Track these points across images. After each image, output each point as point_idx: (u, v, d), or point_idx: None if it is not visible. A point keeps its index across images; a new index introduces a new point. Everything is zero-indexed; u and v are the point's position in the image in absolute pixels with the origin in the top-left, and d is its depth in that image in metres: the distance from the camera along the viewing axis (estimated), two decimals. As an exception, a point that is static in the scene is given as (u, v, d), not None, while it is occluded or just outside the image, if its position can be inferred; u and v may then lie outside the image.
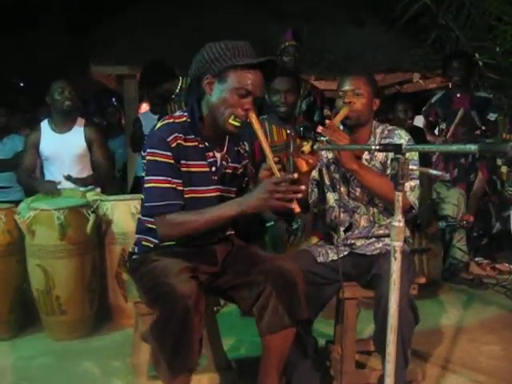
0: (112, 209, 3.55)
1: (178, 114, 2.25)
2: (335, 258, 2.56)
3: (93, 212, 3.44)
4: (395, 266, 1.71)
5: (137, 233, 2.36)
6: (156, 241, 2.26)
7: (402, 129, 2.65)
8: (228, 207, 2.13)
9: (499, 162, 4.45)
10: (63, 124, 3.94)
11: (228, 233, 2.40)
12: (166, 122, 2.19)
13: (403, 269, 2.29)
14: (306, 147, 2.30)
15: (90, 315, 3.49)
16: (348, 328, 2.63)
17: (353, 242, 2.62)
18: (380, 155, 2.57)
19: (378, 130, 2.62)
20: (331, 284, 2.56)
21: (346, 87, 2.57)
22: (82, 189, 3.90)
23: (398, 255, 1.70)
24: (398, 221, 1.71)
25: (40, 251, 3.31)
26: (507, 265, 4.60)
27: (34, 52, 7.07)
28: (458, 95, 4.73)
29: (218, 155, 2.28)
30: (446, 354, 3.12)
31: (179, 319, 1.93)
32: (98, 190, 4.04)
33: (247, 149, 2.46)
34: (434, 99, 4.90)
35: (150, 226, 2.24)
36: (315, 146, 2.28)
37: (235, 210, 2.10)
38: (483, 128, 4.63)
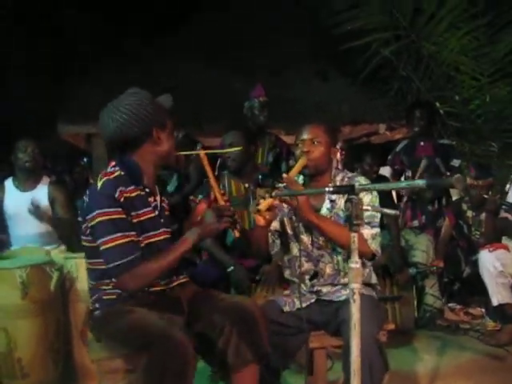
0: (77, 266, 3.45)
1: (108, 171, 2.25)
2: (302, 305, 2.51)
3: (56, 270, 3.35)
4: (354, 309, 1.67)
5: (92, 279, 2.31)
6: (118, 291, 2.22)
7: (361, 175, 2.68)
8: (184, 242, 2.23)
9: (465, 206, 4.49)
10: (26, 182, 3.91)
11: (182, 279, 2.41)
12: (105, 179, 2.20)
13: (369, 312, 2.27)
14: (263, 204, 2.34)
15: (54, 377, 3.34)
16: (319, 379, 2.57)
17: (319, 289, 2.58)
18: (341, 202, 2.56)
19: (338, 178, 2.63)
20: (298, 334, 2.50)
21: (304, 136, 2.59)
22: (47, 247, 3.82)
23: (357, 297, 1.68)
24: (355, 262, 1.69)
25: (0, 311, 3.18)
26: (480, 309, 4.58)
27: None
28: (422, 143, 4.82)
29: (157, 198, 2.37)
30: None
31: (180, 364, 1.96)
32: (63, 247, 3.97)
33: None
34: (398, 148, 4.98)
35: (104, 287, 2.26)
36: (273, 193, 2.28)
37: (191, 242, 2.22)
38: (448, 174, 4.69)
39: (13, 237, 3.90)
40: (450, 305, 4.67)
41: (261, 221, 2.39)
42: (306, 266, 2.58)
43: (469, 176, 4.28)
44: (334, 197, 2.57)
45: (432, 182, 1.50)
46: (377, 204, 2.53)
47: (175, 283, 2.35)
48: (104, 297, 2.26)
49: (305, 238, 2.59)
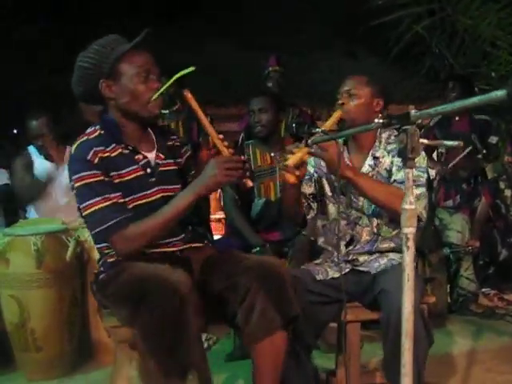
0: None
1: (88, 130, 2.07)
2: (336, 275, 2.32)
3: (73, 239, 3.19)
4: (408, 258, 1.45)
5: (96, 243, 2.13)
6: None
7: None
8: (181, 198, 2.00)
9: (502, 185, 4.25)
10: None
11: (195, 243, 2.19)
12: (79, 141, 2.03)
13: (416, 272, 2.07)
14: (292, 159, 2.13)
15: (68, 352, 3.18)
16: (352, 355, 2.36)
17: (354, 257, 2.37)
18: (386, 161, 2.36)
19: (384, 135, 2.42)
20: (332, 303, 2.30)
21: (343, 88, 2.39)
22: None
23: (411, 244, 1.45)
24: (409, 203, 1.46)
25: (14, 280, 3.02)
26: (516, 295, 4.35)
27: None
28: (457, 118, 4.57)
29: (150, 155, 2.13)
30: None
31: (176, 310, 1.75)
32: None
33: (179, 143, 2.30)
34: (432, 122, 4.72)
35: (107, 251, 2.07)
36: (309, 141, 2.08)
37: (190, 197, 1.98)
38: (484, 151, 4.45)
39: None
40: (483, 290, 4.43)
41: (290, 178, 2.16)
42: (343, 229, 2.37)
43: (506, 153, 4.05)
44: (378, 153, 2.37)
45: None
46: (424, 165, 2.33)
47: (185, 246, 2.13)
48: (108, 259, 2.08)
49: (343, 198, 2.39)
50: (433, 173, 4.53)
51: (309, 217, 2.46)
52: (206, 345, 3.21)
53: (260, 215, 3.37)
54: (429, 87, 6.01)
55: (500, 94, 1.23)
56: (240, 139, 3.99)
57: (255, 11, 7.22)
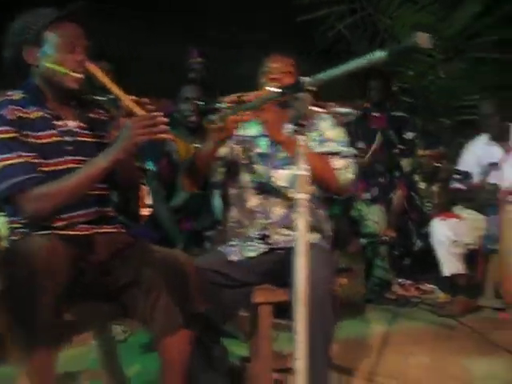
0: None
1: (10, 93, 2.01)
2: (251, 254, 2.34)
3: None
4: (300, 224, 1.45)
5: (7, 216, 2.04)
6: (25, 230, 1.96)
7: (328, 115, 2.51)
8: (94, 164, 1.92)
9: (417, 178, 4.41)
10: None
11: (110, 228, 2.13)
12: None
13: (322, 259, 2.12)
14: (230, 118, 2.16)
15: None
16: (263, 340, 2.35)
17: (268, 234, 2.37)
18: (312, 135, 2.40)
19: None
20: (242, 286, 2.31)
21: (273, 65, 2.42)
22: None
23: (304, 210, 1.46)
24: (302, 169, 1.47)
25: None
26: (431, 286, 4.50)
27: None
28: (376, 114, 4.72)
29: (72, 124, 2.07)
30: (372, 367, 2.93)
31: (23, 281, 1.65)
32: None
33: (106, 117, 2.23)
34: (351, 119, 4.86)
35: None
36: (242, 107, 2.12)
37: (104, 162, 1.89)
38: (401, 147, 4.61)
39: None
40: (400, 280, 4.57)
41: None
42: (255, 200, 2.40)
43: (420, 148, 4.21)
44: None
45: (392, 50, 1.31)
46: (344, 140, 2.39)
47: (93, 228, 2.05)
48: (12, 237, 1.99)
49: (259, 168, 2.41)
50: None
51: (213, 180, 2.48)
52: (122, 337, 3.20)
53: (182, 206, 3.36)
54: (351, 85, 6.13)
55: (381, 54, 1.30)
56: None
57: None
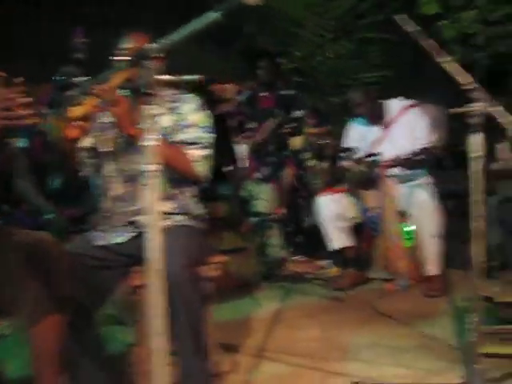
0: None
1: None
2: (119, 240, 2.26)
3: None
4: (150, 195, 1.41)
5: None
6: None
7: (193, 94, 2.45)
8: None
9: (305, 156, 4.47)
10: None
11: None
12: None
13: (183, 241, 2.08)
14: (78, 111, 2.04)
15: None
16: (144, 322, 2.30)
17: (134, 219, 2.29)
18: (165, 119, 2.34)
19: (165, 93, 2.39)
20: (115, 268, 2.23)
21: (128, 44, 2.33)
22: None
23: (153, 182, 1.41)
24: (151, 139, 1.42)
25: None
26: (324, 261, 4.59)
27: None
28: (265, 94, 4.75)
29: None
30: (262, 343, 2.95)
31: None
32: None
33: None
34: (240, 98, 4.87)
35: None
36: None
37: None
38: (290, 125, 4.66)
39: None
40: (294, 257, 4.64)
41: (73, 132, 2.06)
42: (121, 187, 2.33)
43: (308, 126, 4.27)
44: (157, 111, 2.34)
45: (222, 9, 1.31)
46: (208, 124, 2.35)
47: None
48: None
49: (123, 155, 2.33)
50: (244, 148, 4.67)
51: (82, 173, 2.39)
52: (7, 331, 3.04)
53: (59, 192, 3.24)
54: (244, 66, 6.13)
55: (215, 15, 1.29)
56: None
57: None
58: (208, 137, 2.34)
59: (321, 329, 3.16)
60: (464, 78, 1.99)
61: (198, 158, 2.28)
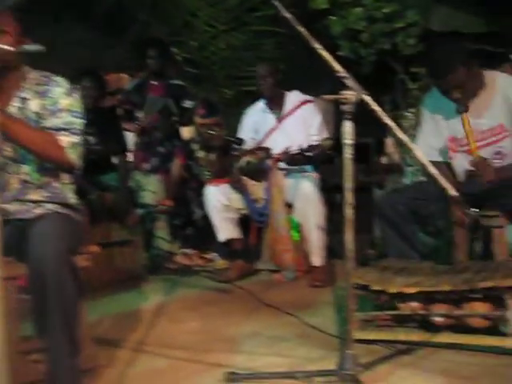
0: None
1: None
2: None
3: None
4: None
5: None
6: None
7: (61, 76, 2.32)
8: None
9: (195, 146, 4.41)
10: None
11: None
12: None
13: (59, 229, 1.97)
14: None
15: None
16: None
17: (5, 206, 2.15)
18: (34, 104, 2.21)
19: (33, 76, 2.25)
20: None
21: None
22: None
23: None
24: None
25: None
26: (213, 254, 4.55)
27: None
28: (154, 83, 4.65)
29: None
30: (142, 336, 2.86)
31: None
32: None
33: None
34: (129, 86, 4.74)
35: None
36: None
37: None
38: (179, 115, 4.60)
39: None
40: (184, 250, 4.56)
41: None
42: None
43: (197, 116, 4.21)
44: (25, 95, 2.20)
45: None
46: (78, 110, 2.23)
47: None
48: None
49: None
50: (131, 136, 4.55)
51: None
52: None
53: None
54: (136, 55, 5.97)
55: None
56: None
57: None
58: (79, 122, 2.22)
59: (203, 321, 3.11)
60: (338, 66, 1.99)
61: (69, 144, 2.16)
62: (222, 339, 2.82)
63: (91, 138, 4.02)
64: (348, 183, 1.99)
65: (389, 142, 4.92)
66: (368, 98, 1.97)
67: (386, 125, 2.03)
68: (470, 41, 3.58)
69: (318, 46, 1.98)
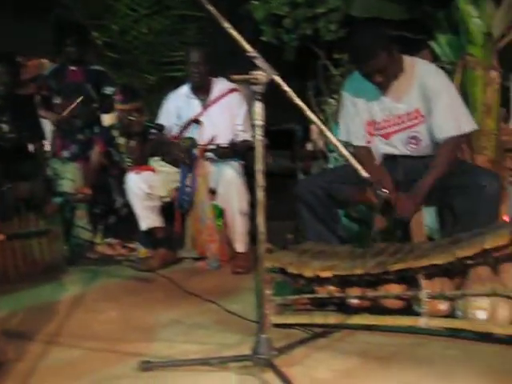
0: None
1: None
2: None
3: None
4: None
5: None
6: None
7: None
8: None
9: (116, 133, 4.30)
10: None
11: None
12: None
13: None
14: None
15: None
16: None
17: None
18: None
19: None
20: None
21: None
22: None
23: None
24: None
25: None
26: (136, 243, 4.46)
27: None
28: (73, 68, 4.50)
29: None
30: (57, 329, 2.76)
31: None
32: None
33: None
34: (46, 72, 4.58)
35: None
36: None
37: None
38: (99, 101, 4.48)
39: None
40: (107, 240, 4.44)
41: None
42: None
43: (117, 102, 4.11)
44: None
45: None
46: None
47: None
48: None
49: None
50: (48, 124, 4.40)
51: None
52: None
53: None
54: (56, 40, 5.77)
55: None
56: None
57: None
58: None
59: (122, 311, 3.03)
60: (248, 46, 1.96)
61: None
62: (141, 328, 2.76)
63: (4, 126, 3.86)
64: (259, 165, 1.97)
65: (314, 129, 4.94)
66: (279, 79, 1.95)
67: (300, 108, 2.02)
68: (390, 27, 3.61)
69: (227, 25, 1.93)
